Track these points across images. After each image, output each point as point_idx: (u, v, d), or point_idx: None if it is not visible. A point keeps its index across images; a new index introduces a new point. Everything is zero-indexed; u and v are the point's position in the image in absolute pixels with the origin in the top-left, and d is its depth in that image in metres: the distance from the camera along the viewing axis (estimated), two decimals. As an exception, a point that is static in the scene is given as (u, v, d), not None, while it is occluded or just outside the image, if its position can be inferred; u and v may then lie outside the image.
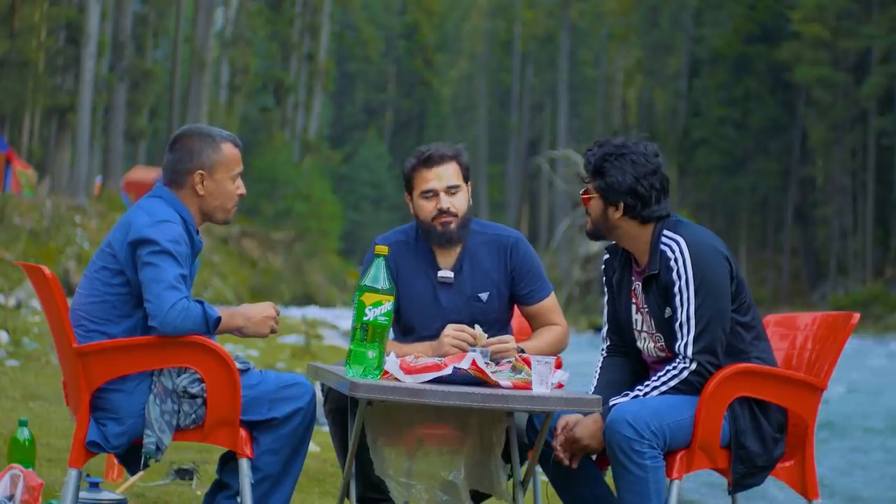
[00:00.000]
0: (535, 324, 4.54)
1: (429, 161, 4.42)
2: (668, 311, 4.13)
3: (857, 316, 4.21)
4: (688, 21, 61.90)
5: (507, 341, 4.21)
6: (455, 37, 77.36)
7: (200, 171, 4.11)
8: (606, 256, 4.39)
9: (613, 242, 4.34)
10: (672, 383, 4.07)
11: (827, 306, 45.89)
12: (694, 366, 4.06)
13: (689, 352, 4.06)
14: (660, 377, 4.09)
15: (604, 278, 4.40)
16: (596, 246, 39.29)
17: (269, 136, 53.03)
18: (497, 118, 71.94)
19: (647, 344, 4.25)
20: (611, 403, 4.07)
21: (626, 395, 4.11)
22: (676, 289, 4.09)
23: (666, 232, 4.16)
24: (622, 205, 4.14)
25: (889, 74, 49.46)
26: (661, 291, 4.14)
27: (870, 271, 49.97)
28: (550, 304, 4.55)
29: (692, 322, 4.06)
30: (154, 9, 47.90)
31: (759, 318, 4.27)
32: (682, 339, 4.08)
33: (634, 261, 4.28)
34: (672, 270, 4.10)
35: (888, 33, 49.60)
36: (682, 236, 4.13)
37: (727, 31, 57.73)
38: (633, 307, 4.27)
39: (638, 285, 4.24)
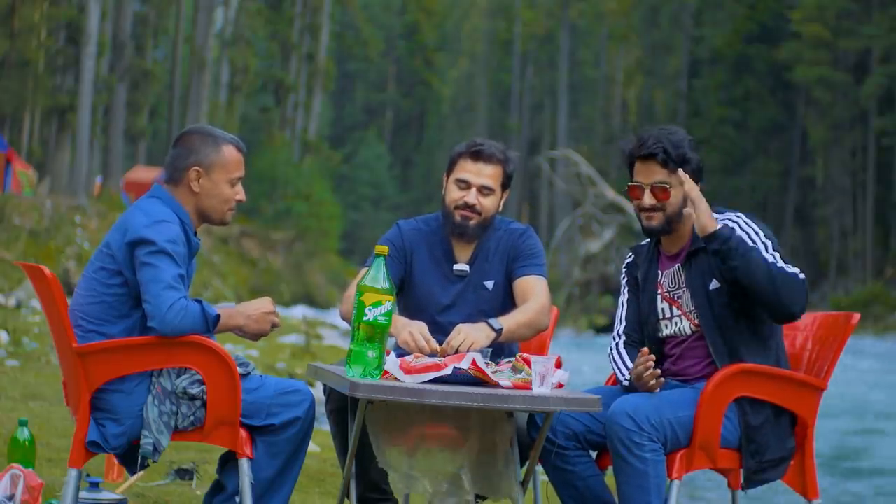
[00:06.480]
0: (519, 301, 4.45)
1: (477, 155, 4.46)
2: (713, 283, 4.14)
3: (857, 316, 4.22)
4: (688, 21, 61.85)
5: (454, 338, 4.11)
6: (455, 37, 77.28)
7: (197, 168, 4.10)
8: (631, 258, 4.39)
9: (643, 242, 4.37)
10: (790, 270, 4.01)
11: (827, 306, 45.84)
12: (802, 275, 4.05)
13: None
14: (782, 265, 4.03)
15: (625, 279, 4.40)
16: (596, 246, 39.20)
17: (269, 136, 53.01)
18: (497, 118, 71.86)
19: (681, 325, 4.25)
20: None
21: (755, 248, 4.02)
22: (746, 237, 4.07)
23: (717, 210, 4.19)
24: (701, 185, 4.21)
25: (889, 74, 49.40)
26: (705, 266, 4.14)
27: (870, 271, 49.90)
28: (535, 281, 4.45)
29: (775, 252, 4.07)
30: (154, 9, 47.85)
31: None
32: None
33: (663, 251, 4.30)
34: (735, 230, 4.08)
35: (888, 33, 49.56)
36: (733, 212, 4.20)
37: (727, 31, 57.66)
38: (659, 297, 4.28)
39: (670, 272, 4.26)
